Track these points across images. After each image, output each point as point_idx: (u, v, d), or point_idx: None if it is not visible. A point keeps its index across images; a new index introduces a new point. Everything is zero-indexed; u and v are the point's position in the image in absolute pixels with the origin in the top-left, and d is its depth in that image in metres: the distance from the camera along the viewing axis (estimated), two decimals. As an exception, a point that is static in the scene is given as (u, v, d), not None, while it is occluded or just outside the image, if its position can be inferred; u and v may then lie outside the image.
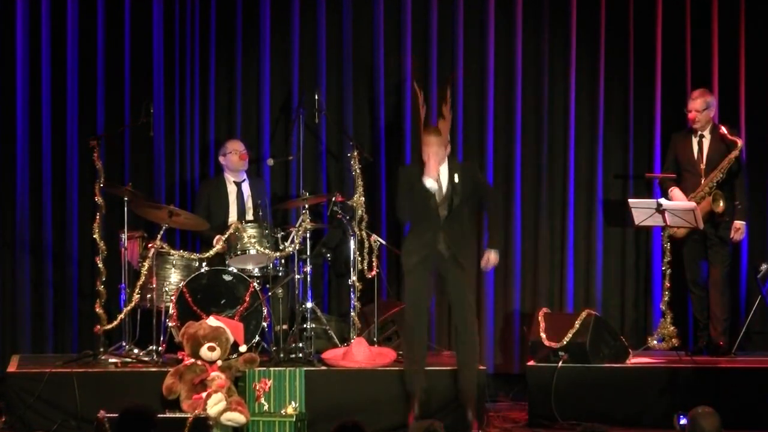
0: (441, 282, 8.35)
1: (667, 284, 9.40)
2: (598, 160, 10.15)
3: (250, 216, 9.34)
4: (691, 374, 8.68)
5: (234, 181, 9.49)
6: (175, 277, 8.96)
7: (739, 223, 9.37)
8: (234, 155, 9.43)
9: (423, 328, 8.30)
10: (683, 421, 7.02)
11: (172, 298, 8.77)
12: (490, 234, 8.59)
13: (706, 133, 9.46)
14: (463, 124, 10.09)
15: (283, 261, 9.20)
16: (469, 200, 8.32)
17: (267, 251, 8.86)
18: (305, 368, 8.39)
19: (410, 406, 8.23)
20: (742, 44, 10.12)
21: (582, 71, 10.16)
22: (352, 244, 9.17)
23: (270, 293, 9.03)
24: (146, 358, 8.66)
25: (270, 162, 9.69)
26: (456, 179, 8.24)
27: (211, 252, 8.88)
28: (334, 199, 9.21)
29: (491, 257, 8.40)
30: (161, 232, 8.77)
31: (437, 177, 8.18)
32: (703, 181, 9.37)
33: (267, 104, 9.94)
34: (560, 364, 8.63)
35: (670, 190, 9.45)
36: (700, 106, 9.40)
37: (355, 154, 9.34)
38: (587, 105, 10.18)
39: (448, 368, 8.51)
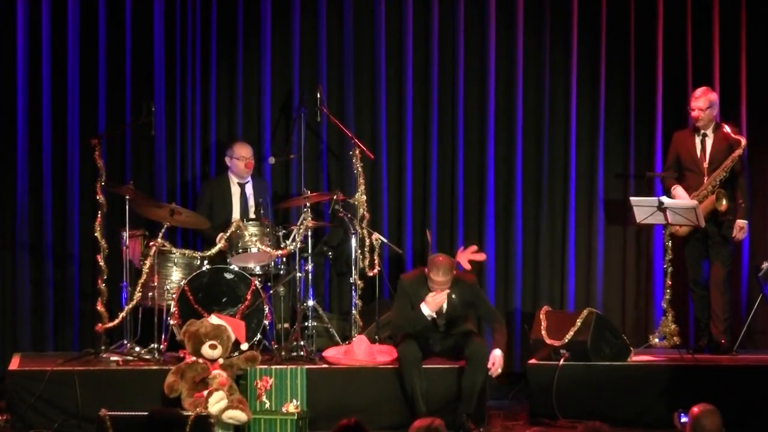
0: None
1: (669, 282, 9.41)
2: (598, 160, 10.15)
3: (252, 215, 9.34)
4: (693, 373, 8.68)
5: (238, 183, 9.49)
6: (176, 276, 8.95)
7: (742, 222, 9.36)
8: (240, 162, 9.41)
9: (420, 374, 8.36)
10: (684, 419, 7.03)
11: (174, 296, 8.76)
12: (495, 341, 8.53)
13: (709, 132, 9.45)
14: (463, 124, 10.09)
15: (284, 259, 9.20)
16: (468, 310, 8.57)
17: (268, 249, 8.85)
18: (307, 366, 8.38)
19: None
20: (743, 45, 10.13)
21: (582, 71, 10.16)
22: (354, 243, 9.18)
23: (271, 291, 9.02)
24: (147, 357, 8.66)
25: (271, 160, 9.69)
26: (454, 297, 8.39)
27: (213, 250, 8.87)
28: (335, 197, 9.21)
29: (498, 359, 8.37)
30: (163, 231, 8.76)
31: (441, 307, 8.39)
32: (705, 180, 9.36)
33: (268, 103, 9.93)
34: (561, 362, 8.62)
35: (672, 188, 9.44)
36: (704, 104, 9.38)
37: (357, 152, 9.35)
38: (588, 105, 10.18)
39: (448, 367, 8.52)
